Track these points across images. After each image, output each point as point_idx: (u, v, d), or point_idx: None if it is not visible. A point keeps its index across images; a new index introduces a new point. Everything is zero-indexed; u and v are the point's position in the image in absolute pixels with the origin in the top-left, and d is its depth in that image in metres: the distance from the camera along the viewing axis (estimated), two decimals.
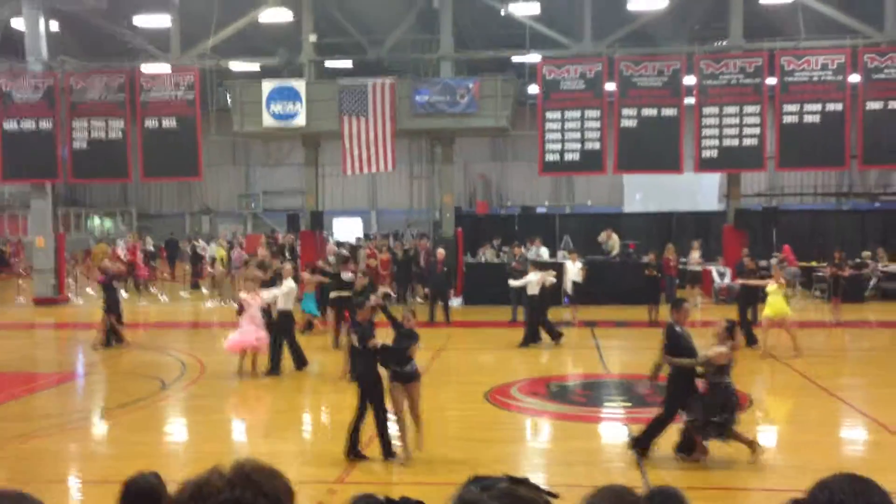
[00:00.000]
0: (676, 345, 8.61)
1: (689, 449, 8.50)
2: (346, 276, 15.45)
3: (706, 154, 21.56)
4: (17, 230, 38.79)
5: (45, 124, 22.67)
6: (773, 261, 19.57)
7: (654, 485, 6.29)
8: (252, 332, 12.98)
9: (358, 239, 34.29)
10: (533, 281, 15.62)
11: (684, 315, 8.98)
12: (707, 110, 21.42)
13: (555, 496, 1.40)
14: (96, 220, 44.04)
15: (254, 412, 11.89)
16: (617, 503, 2.18)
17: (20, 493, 1.47)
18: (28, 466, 8.81)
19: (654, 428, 8.60)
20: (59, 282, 24.25)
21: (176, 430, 11.10)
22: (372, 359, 8.74)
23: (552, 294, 16.49)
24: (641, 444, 8.60)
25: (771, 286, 14.23)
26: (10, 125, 22.67)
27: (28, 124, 22.71)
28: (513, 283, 16.55)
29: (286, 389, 12.82)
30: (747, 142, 21.31)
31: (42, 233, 24.07)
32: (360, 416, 8.67)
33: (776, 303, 14.08)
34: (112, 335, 15.69)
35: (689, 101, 22.04)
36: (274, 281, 14.48)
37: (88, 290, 25.63)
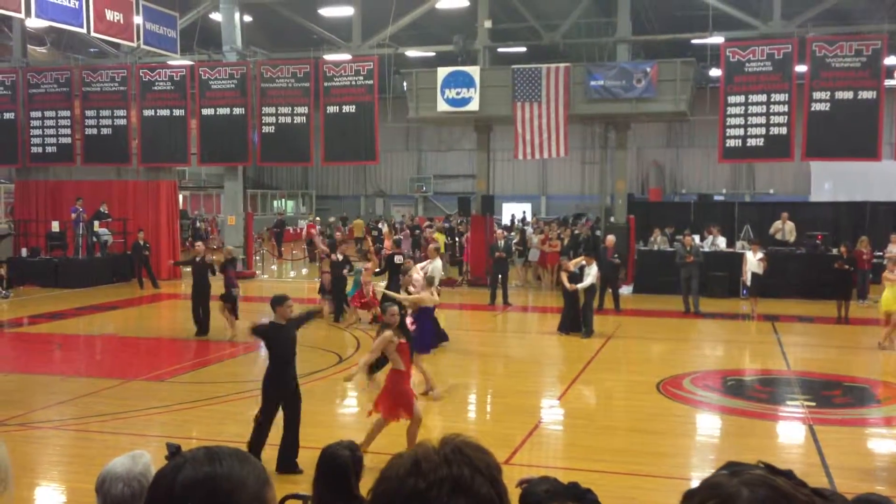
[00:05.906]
0: None
1: None
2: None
3: None
4: (212, 209, 41.84)
5: (238, 110, 24.16)
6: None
7: (842, 491, 5.86)
8: None
9: (524, 223, 34.33)
10: (592, 273, 15.29)
11: None
12: None
13: (825, 497, 1.22)
14: (282, 202, 46.70)
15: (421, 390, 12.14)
16: None
17: (243, 451, 1.52)
18: (215, 426, 9.49)
19: None
20: (248, 257, 25.86)
21: (349, 402, 11.57)
22: None
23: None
24: None
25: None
26: (207, 111, 24.34)
27: (223, 111, 24.28)
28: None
29: (455, 369, 13.01)
30: None
31: (233, 212, 25.81)
32: None
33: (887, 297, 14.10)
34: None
35: (889, 83, 20.33)
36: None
37: (273, 266, 27.09)
